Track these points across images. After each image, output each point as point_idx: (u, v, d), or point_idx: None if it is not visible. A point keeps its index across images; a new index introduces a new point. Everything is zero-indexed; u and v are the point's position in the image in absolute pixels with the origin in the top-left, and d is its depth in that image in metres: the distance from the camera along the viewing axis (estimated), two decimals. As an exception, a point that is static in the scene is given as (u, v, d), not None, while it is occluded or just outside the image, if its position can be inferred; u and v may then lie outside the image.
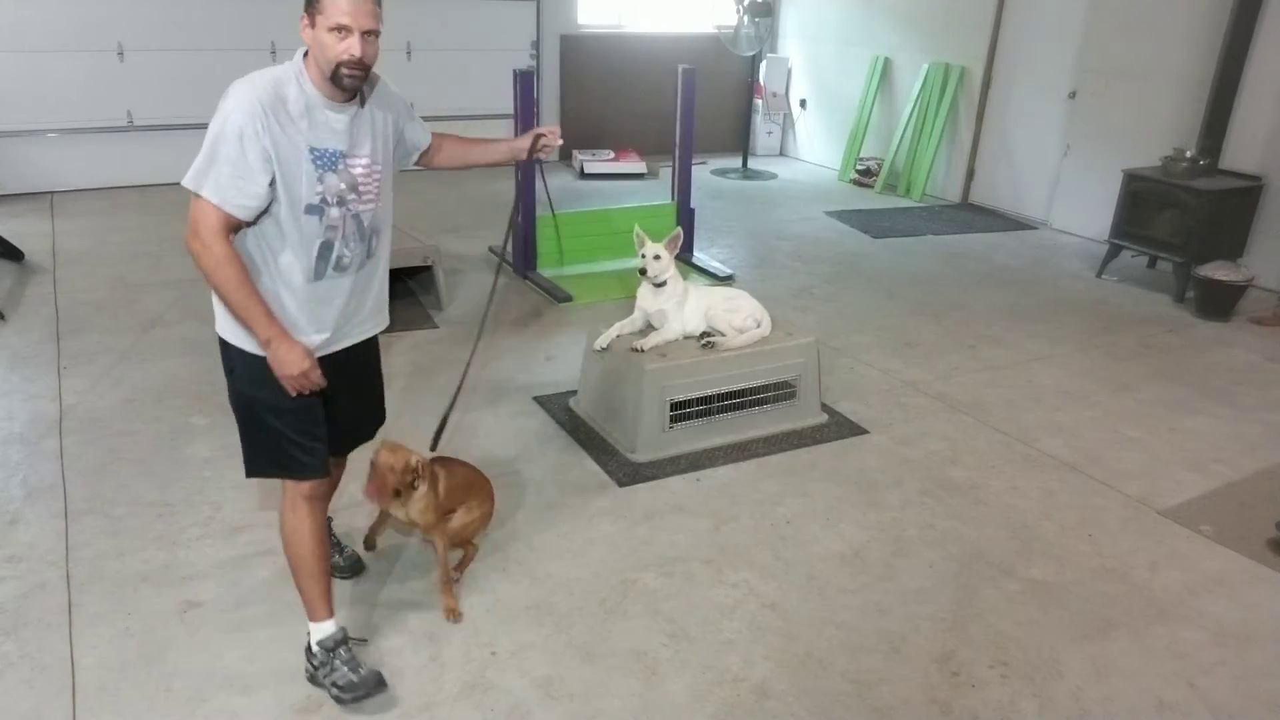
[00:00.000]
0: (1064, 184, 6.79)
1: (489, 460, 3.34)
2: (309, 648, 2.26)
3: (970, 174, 7.54)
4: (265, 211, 1.95)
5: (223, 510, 2.97)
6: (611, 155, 8.02)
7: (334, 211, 2.02)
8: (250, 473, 2.23)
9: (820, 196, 7.70)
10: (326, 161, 1.98)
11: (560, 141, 2.51)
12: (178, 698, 2.22)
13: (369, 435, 2.49)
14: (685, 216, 5.60)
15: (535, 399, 3.82)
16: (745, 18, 7.80)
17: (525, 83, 4.98)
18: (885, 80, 8.08)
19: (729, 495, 3.20)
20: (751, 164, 8.56)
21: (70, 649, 2.35)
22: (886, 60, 8.01)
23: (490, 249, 5.75)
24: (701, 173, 8.07)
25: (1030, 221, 7.02)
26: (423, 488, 2.43)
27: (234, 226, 1.93)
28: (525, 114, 5.00)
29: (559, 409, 3.72)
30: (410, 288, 4.90)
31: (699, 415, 3.46)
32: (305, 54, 1.97)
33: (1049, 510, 3.19)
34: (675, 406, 3.38)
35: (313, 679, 2.26)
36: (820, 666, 2.41)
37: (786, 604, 2.65)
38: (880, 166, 7.98)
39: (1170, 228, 5.41)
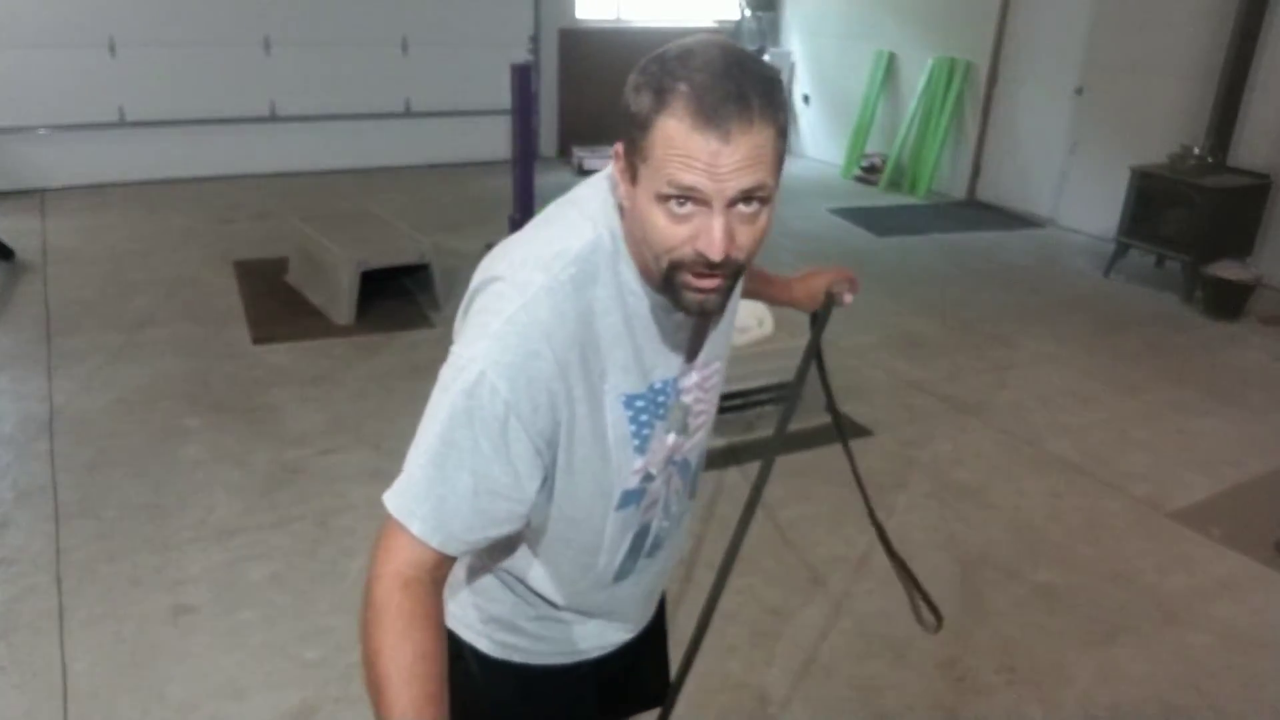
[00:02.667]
0: (1071, 181, 6.73)
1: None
2: None
3: (976, 171, 7.48)
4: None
5: (215, 513, 2.93)
6: (611, 152, 8.00)
7: (656, 484, 1.15)
8: None
9: (823, 193, 7.65)
10: (655, 407, 1.08)
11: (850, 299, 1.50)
12: (170, 704, 2.19)
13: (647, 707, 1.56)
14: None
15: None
16: (747, 11, 7.75)
17: (523, 77, 4.93)
18: (889, 75, 8.02)
19: (731, 498, 3.16)
20: (753, 160, 8.51)
21: (61, 653, 2.32)
22: (891, 55, 7.95)
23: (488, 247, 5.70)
24: (703, 169, 8.02)
25: (1036, 219, 6.97)
26: None
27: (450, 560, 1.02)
28: (524, 109, 4.96)
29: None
30: (406, 286, 4.86)
31: (700, 415, 3.42)
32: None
33: (1055, 513, 3.15)
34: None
35: None
36: (824, 672, 2.38)
37: (789, 608, 2.61)
38: (884, 163, 7.92)
39: (1178, 226, 5.35)
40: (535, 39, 8.01)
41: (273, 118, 7.11)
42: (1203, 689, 2.37)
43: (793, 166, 8.63)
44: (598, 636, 1.27)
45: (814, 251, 6.02)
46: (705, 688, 2.30)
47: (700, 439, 1.21)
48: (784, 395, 3.62)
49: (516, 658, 1.24)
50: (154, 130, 6.74)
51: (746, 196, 0.91)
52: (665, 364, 1.08)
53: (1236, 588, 2.79)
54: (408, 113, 7.57)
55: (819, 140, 8.91)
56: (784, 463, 3.39)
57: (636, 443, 1.07)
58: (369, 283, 4.46)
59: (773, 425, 3.56)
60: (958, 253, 6.15)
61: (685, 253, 0.93)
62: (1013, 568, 2.84)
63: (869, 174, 8.03)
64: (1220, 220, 5.23)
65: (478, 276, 1.04)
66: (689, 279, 0.95)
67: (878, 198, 7.58)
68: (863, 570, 2.80)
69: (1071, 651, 2.49)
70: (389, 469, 3.15)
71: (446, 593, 1.15)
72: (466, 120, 7.70)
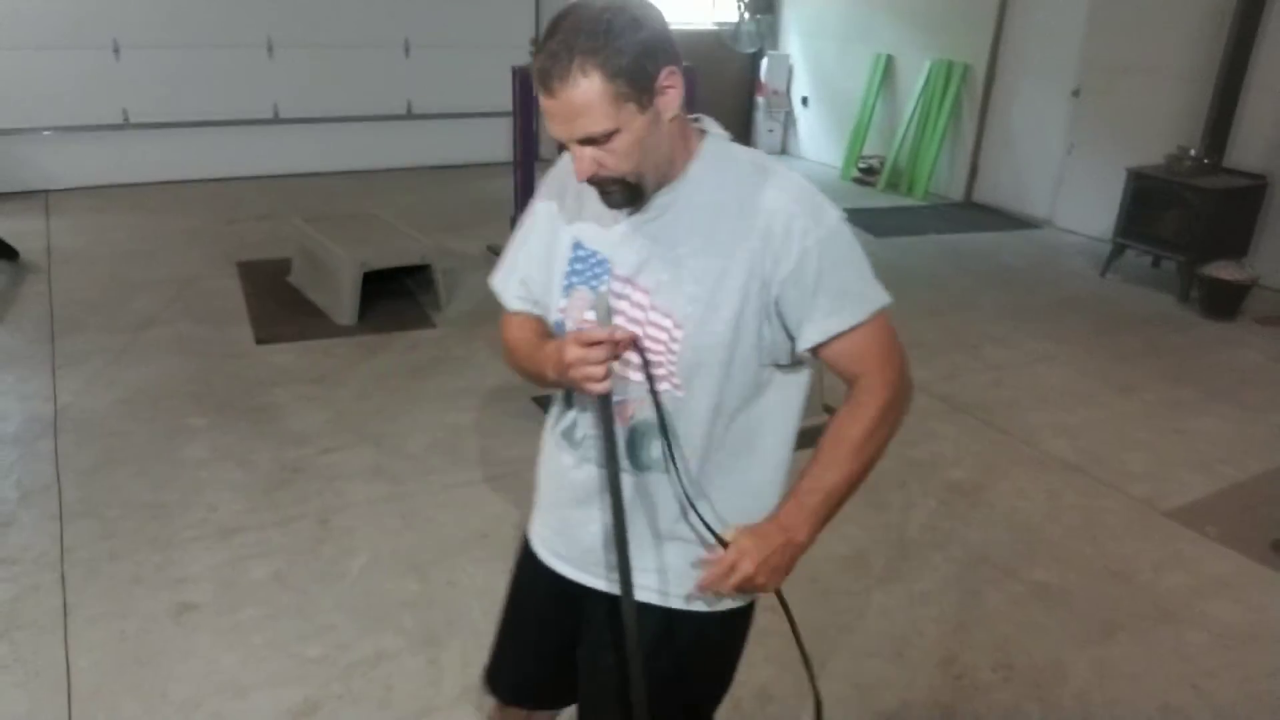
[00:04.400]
0: (1068, 182, 6.75)
1: (489, 460, 3.32)
2: None
3: (973, 172, 7.50)
4: None
5: (218, 512, 2.95)
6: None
7: None
8: None
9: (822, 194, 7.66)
10: (587, 268, 1.30)
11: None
12: (173, 702, 2.20)
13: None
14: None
15: (534, 399, 3.80)
16: (746, 14, 7.77)
17: (524, 79, 4.95)
18: (888, 77, 8.04)
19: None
20: (753, 162, 8.52)
21: (65, 652, 2.33)
22: (889, 57, 7.97)
23: (489, 248, 5.73)
24: (703, 171, 8.03)
25: (1034, 220, 6.99)
26: None
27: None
28: (525, 111, 4.98)
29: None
30: (408, 287, 4.88)
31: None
32: None
33: (1053, 512, 3.17)
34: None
35: None
36: (823, 670, 2.39)
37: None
38: (883, 165, 7.94)
39: (1174, 226, 5.38)
40: (536, 41, 8.02)
41: (275, 120, 7.12)
42: (1199, 687, 2.39)
43: (792, 167, 8.62)
44: (550, 536, 1.47)
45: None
46: (705, 685, 2.32)
47: (636, 397, 1.29)
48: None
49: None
50: (157, 132, 6.76)
51: (587, 139, 1.14)
52: (600, 241, 1.29)
53: (1233, 586, 2.80)
54: (409, 115, 7.59)
55: (818, 142, 8.93)
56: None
57: (564, 284, 1.32)
58: (371, 283, 4.48)
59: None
60: (955, 254, 6.17)
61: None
62: (1010, 566, 2.85)
63: (867, 175, 8.05)
64: (1216, 221, 5.25)
65: None
66: (594, 184, 1.21)
67: (876, 199, 7.59)
68: (861, 568, 2.82)
69: (1069, 650, 2.50)
70: (390, 468, 3.19)
71: None
72: (468, 122, 7.71)
